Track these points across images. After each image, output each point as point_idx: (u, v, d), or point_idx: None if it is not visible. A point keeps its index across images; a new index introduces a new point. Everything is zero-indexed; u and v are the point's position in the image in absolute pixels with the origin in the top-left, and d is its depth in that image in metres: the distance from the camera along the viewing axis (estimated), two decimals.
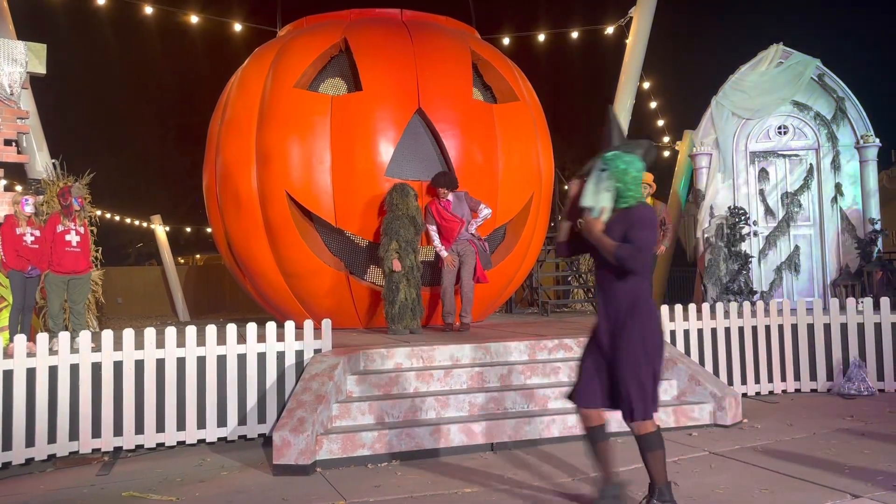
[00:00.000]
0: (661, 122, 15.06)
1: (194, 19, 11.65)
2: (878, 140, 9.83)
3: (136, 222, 18.31)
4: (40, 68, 7.45)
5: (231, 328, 5.46)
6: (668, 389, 5.57)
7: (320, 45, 7.72)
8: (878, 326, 6.63)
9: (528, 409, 5.26)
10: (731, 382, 6.43)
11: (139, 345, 5.26)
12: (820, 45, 10.18)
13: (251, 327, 5.51)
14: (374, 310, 7.69)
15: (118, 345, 5.24)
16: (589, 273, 11.41)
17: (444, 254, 7.26)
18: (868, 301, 6.71)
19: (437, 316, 7.76)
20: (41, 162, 9.35)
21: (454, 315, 7.28)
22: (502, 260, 8.07)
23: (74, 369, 5.12)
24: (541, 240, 8.83)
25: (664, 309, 6.39)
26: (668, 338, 6.31)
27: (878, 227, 9.66)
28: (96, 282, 9.38)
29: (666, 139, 15.30)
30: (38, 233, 6.47)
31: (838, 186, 9.86)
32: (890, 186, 13.11)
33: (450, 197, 7.24)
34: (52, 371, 5.06)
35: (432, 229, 7.32)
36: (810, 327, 6.72)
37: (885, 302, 6.64)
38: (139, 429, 5.20)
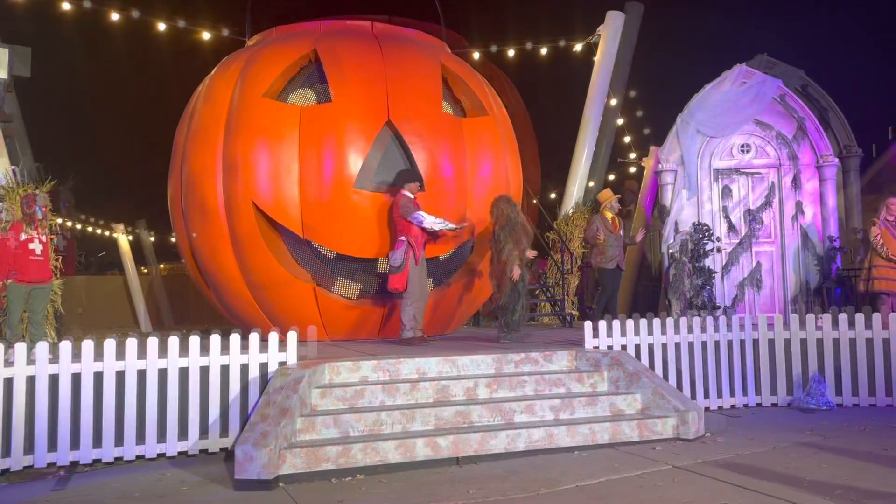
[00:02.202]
0: (627, 139, 15.27)
1: (161, 26, 11.53)
2: (836, 160, 10.08)
3: (98, 231, 17.96)
4: (24, 71, 7.36)
5: (194, 340, 5.37)
6: (632, 403, 5.62)
7: (290, 56, 7.69)
8: (836, 342, 6.77)
9: (494, 422, 5.26)
10: (693, 396, 6.50)
11: (99, 356, 5.15)
12: (780, 68, 10.43)
13: (214, 339, 5.43)
14: (341, 322, 7.63)
15: (77, 356, 5.12)
16: (556, 286, 11.47)
17: (448, 226, 7.15)
18: (827, 317, 6.85)
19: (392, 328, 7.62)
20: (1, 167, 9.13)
21: (415, 330, 7.15)
22: (470, 273, 8.08)
23: (31, 381, 4.99)
24: None
25: (629, 323, 6.45)
26: (632, 352, 6.38)
27: (837, 244, 9.89)
28: (56, 291, 9.16)
29: (633, 155, 15.52)
30: None
31: (799, 204, 10.09)
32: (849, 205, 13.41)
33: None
34: (8, 383, 4.92)
35: (423, 216, 7.07)
36: (771, 342, 6.84)
37: (843, 318, 6.79)
38: (97, 442, 5.08)
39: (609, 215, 9.02)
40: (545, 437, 5.11)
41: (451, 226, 7.22)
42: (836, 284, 9.65)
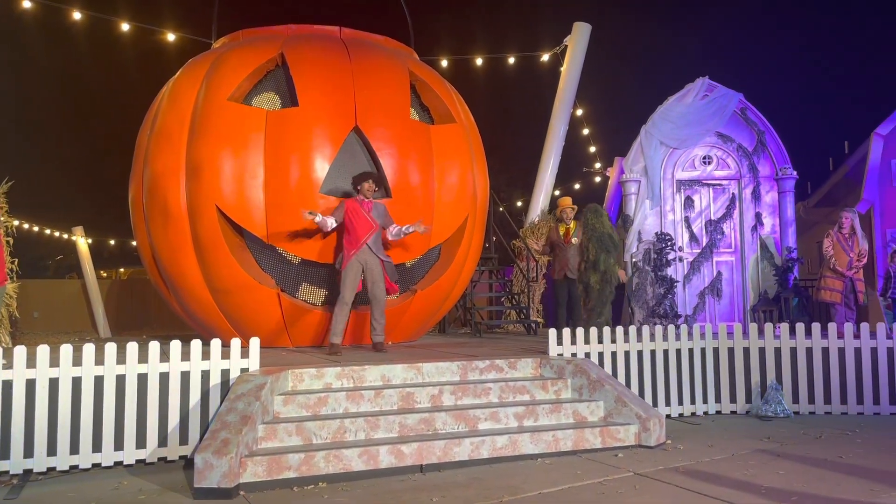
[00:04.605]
0: (593, 149, 15.45)
1: (125, 27, 11.34)
2: (795, 172, 10.34)
3: (56, 233, 17.57)
4: None
5: (154, 345, 5.27)
6: (595, 411, 5.67)
7: (256, 59, 7.62)
8: (793, 351, 6.92)
9: (459, 430, 5.26)
10: (655, 404, 6.59)
11: (54, 362, 5.02)
12: (742, 82, 10.67)
13: (175, 345, 5.34)
14: (306, 328, 7.57)
15: (32, 362, 4.98)
16: (521, 294, 11.54)
17: (318, 218, 6.81)
18: (785, 326, 7.01)
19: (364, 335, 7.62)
20: None
21: (341, 335, 6.93)
22: (436, 280, 8.08)
23: None
24: (475, 260, 8.89)
25: (593, 331, 6.51)
26: (596, 359, 6.44)
27: (794, 255, 10.12)
28: (11, 295, 8.94)
29: (597, 165, 15.72)
30: None
31: (758, 215, 10.31)
32: (806, 217, 13.77)
33: (371, 199, 7.08)
34: None
35: (329, 221, 6.89)
36: (731, 351, 6.96)
37: (800, 328, 6.94)
38: (52, 450, 4.94)
39: (562, 227, 9.07)
40: (509, 445, 5.12)
41: (317, 218, 6.83)
42: (794, 294, 9.88)
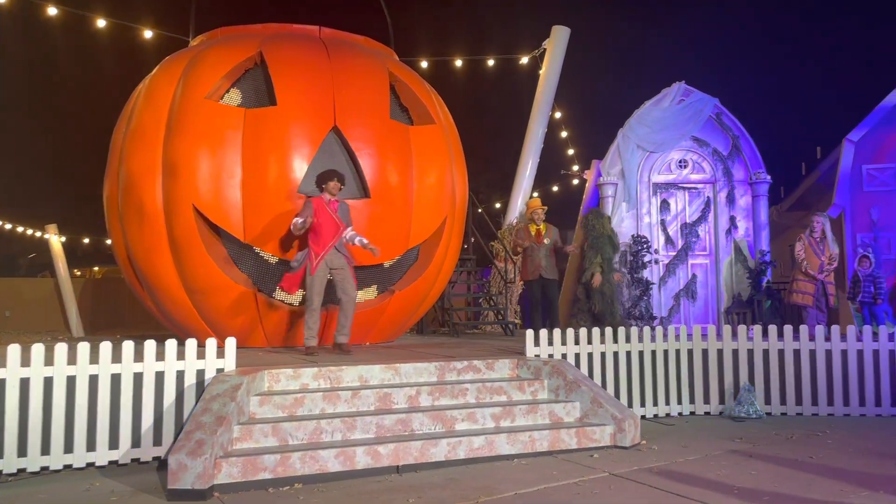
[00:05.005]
0: (571, 152, 15.55)
1: (101, 23, 11.21)
2: (768, 177, 10.49)
3: (29, 231, 17.30)
4: None
5: (127, 345, 5.21)
6: (571, 411, 5.70)
7: (235, 57, 7.57)
8: (766, 352, 7.02)
9: (436, 430, 5.26)
10: (630, 405, 6.64)
11: (26, 362, 4.94)
12: (717, 87, 10.81)
13: (149, 345, 5.28)
14: (282, 329, 7.53)
15: (2, 361, 4.90)
16: (499, 295, 11.58)
17: (300, 220, 6.64)
18: (757, 328, 7.10)
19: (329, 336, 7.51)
20: None
21: (317, 338, 6.85)
22: (414, 280, 8.08)
23: None
24: (453, 262, 8.90)
25: (569, 332, 6.56)
26: (572, 361, 6.48)
27: (767, 258, 10.27)
28: None
29: (575, 168, 15.82)
30: None
31: (732, 219, 10.45)
32: (779, 221, 13.97)
33: (336, 199, 6.97)
34: None
35: (298, 220, 6.70)
36: (705, 352, 7.04)
37: (772, 330, 7.05)
38: (22, 451, 4.86)
39: (533, 227, 9.10)
40: (486, 445, 5.14)
41: (298, 220, 6.66)
42: (766, 297, 10.02)
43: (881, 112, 10.62)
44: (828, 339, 7.00)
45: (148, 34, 11.72)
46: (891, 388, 6.86)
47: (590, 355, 6.59)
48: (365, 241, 6.96)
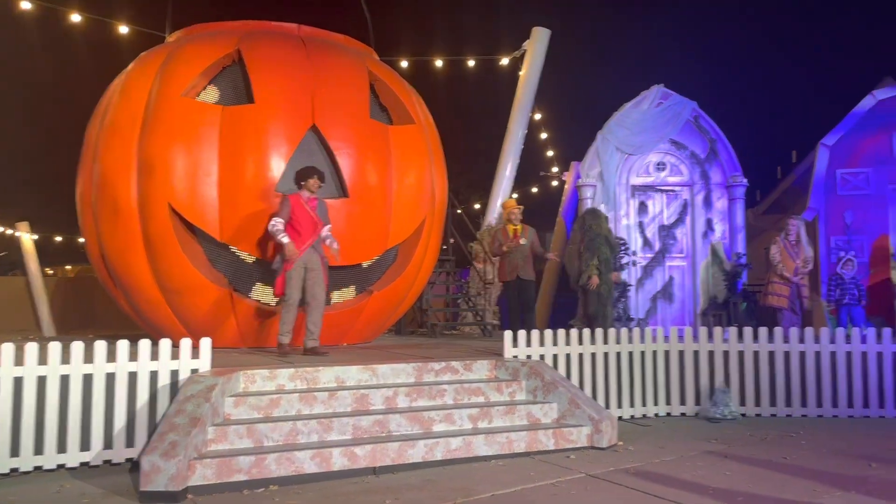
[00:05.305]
0: (550, 153, 15.61)
1: (76, 17, 11.03)
2: (745, 180, 10.60)
3: (0, 229, 16.98)
4: None
5: (100, 345, 5.13)
6: (548, 412, 5.71)
7: (212, 54, 7.48)
8: (741, 354, 7.08)
9: (413, 431, 5.24)
10: (607, 406, 6.67)
11: None
12: (694, 90, 10.91)
13: (122, 344, 5.20)
14: (259, 329, 7.45)
15: None
16: (478, 296, 11.58)
17: (285, 240, 6.54)
18: (733, 330, 7.16)
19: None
20: None
21: (290, 335, 6.73)
22: (393, 281, 8.05)
23: None
24: (432, 262, 8.88)
25: (547, 333, 6.57)
26: (550, 362, 6.49)
27: (743, 260, 10.37)
28: None
29: (555, 169, 15.88)
30: None
31: (709, 222, 10.54)
32: (755, 224, 14.13)
33: (315, 196, 6.88)
34: None
35: (278, 221, 6.62)
36: (681, 354, 7.09)
37: (747, 331, 7.11)
38: None
39: (511, 227, 9.10)
40: (463, 446, 5.12)
41: (284, 239, 6.58)
42: (742, 299, 10.12)
43: (855, 117, 10.78)
44: (801, 340, 7.08)
45: (123, 30, 11.56)
46: (863, 389, 6.96)
47: (567, 356, 6.61)
48: (336, 245, 6.92)
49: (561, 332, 6.64)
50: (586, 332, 6.79)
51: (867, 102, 10.76)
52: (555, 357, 6.54)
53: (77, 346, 5.06)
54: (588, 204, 10.57)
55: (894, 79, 12.01)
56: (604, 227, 7.54)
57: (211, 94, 7.49)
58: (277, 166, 7.17)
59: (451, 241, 11.87)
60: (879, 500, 4.17)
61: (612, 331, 6.85)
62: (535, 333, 6.56)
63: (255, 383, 5.45)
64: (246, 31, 7.99)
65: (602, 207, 10.45)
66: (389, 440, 4.99)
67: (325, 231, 6.88)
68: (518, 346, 6.46)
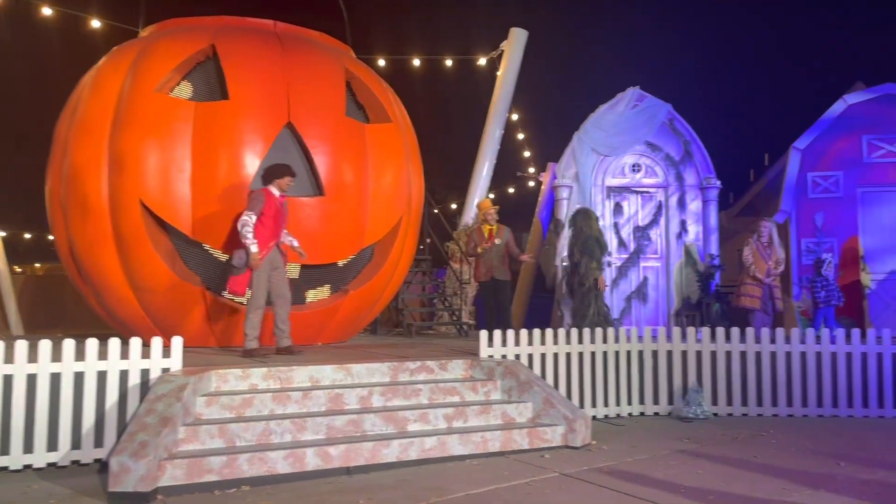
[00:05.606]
0: (527, 154, 15.65)
1: (46, 11, 10.84)
2: (718, 182, 10.72)
3: None
4: None
5: (68, 344, 5.03)
6: (523, 412, 5.71)
7: (186, 49, 7.39)
8: (713, 354, 7.15)
9: (388, 431, 5.22)
10: (582, 405, 6.70)
11: None
12: (669, 92, 11.01)
13: (91, 343, 5.11)
14: (232, 328, 7.37)
15: None
16: (454, 296, 11.57)
17: (254, 248, 6.36)
18: (706, 330, 7.24)
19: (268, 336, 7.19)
20: None
21: (258, 340, 6.53)
22: (369, 280, 8.01)
23: None
24: (408, 261, 8.85)
25: (523, 333, 6.58)
26: (526, 361, 6.50)
27: (716, 262, 10.48)
28: None
29: (531, 170, 15.93)
30: None
31: (683, 223, 10.64)
32: (728, 226, 14.29)
33: (284, 195, 6.75)
34: None
35: (250, 218, 6.40)
36: (655, 354, 7.14)
37: (720, 332, 7.19)
38: None
39: (486, 227, 9.11)
40: (438, 446, 5.11)
41: (252, 248, 6.36)
42: (715, 300, 10.23)
43: (826, 121, 10.95)
44: (773, 341, 7.18)
45: (96, 24, 11.38)
46: (832, 389, 7.06)
47: (543, 356, 6.63)
48: (296, 242, 6.85)
49: (536, 331, 6.66)
50: (561, 331, 6.81)
51: (838, 107, 10.94)
52: (530, 357, 6.56)
53: (45, 345, 4.96)
54: (564, 205, 10.62)
55: (865, 84, 12.22)
56: (594, 228, 7.63)
57: (184, 90, 7.40)
58: (252, 163, 7.10)
59: (428, 240, 11.85)
60: (847, 497, 4.24)
61: (586, 330, 6.88)
62: (510, 333, 6.56)
63: (227, 383, 5.39)
64: (221, 26, 7.90)
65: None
66: (364, 440, 4.96)
67: (284, 231, 6.82)
68: (493, 346, 6.47)
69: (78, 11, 11.27)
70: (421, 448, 5.05)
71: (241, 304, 7.30)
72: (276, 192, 6.67)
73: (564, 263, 10.29)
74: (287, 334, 6.67)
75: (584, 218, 7.67)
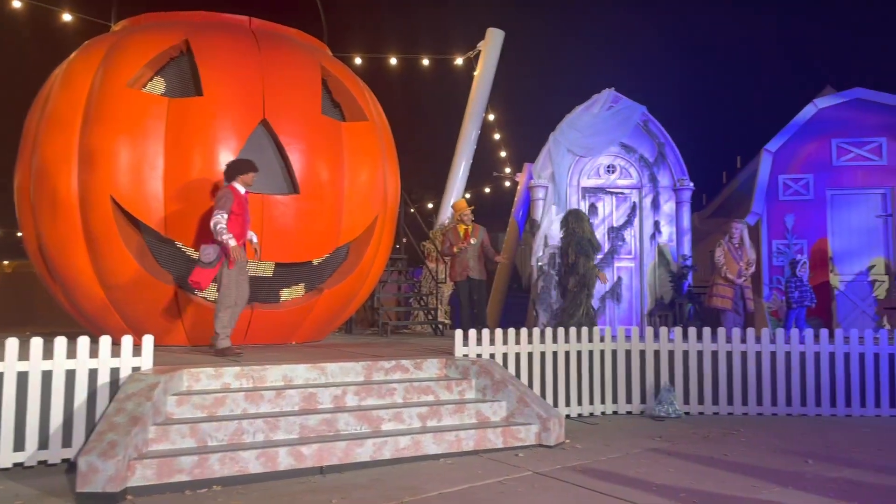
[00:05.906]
0: (503, 154, 15.70)
1: (16, 3, 10.64)
2: (692, 184, 10.83)
3: None
4: None
5: (36, 342, 4.95)
6: (497, 411, 5.73)
7: (159, 45, 7.29)
8: (685, 354, 7.24)
9: (361, 430, 5.20)
10: (556, 404, 6.74)
11: None
12: (643, 94, 11.11)
13: (60, 341, 5.03)
14: (204, 327, 7.29)
15: None
16: (430, 295, 11.57)
17: (233, 242, 6.25)
18: (678, 330, 7.31)
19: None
20: None
21: (229, 339, 6.48)
22: (344, 279, 7.98)
23: None
24: (384, 260, 8.83)
25: (498, 332, 6.59)
26: (500, 361, 6.52)
27: (689, 262, 10.59)
28: None
29: (508, 170, 15.97)
30: None
31: (657, 224, 10.74)
32: (701, 227, 14.46)
33: (248, 191, 6.66)
34: None
35: (223, 217, 6.26)
36: (628, 353, 7.21)
37: (692, 332, 7.27)
38: None
39: (461, 227, 9.14)
40: (412, 445, 5.10)
41: (231, 243, 6.25)
42: (688, 300, 10.34)
43: (797, 125, 11.11)
44: (743, 341, 7.28)
45: (67, 17, 11.20)
46: (800, 388, 7.18)
47: (517, 355, 6.65)
48: (255, 238, 6.78)
49: (511, 331, 6.68)
50: (535, 330, 6.84)
51: (809, 111, 11.11)
52: (504, 356, 6.58)
53: (12, 343, 4.87)
54: (540, 205, 10.66)
55: (835, 88, 12.43)
56: (587, 230, 7.74)
57: (157, 86, 7.31)
58: (226, 160, 7.00)
59: (404, 239, 11.84)
60: (814, 494, 4.31)
61: (560, 330, 6.92)
62: (485, 332, 6.58)
63: (199, 382, 5.34)
64: (195, 22, 7.82)
65: (553, 209, 10.56)
66: (337, 439, 4.94)
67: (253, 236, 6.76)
68: (468, 345, 6.48)
69: (49, 5, 11.09)
70: (395, 447, 5.04)
71: (213, 301, 7.22)
72: (241, 188, 6.56)
73: (540, 263, 10.34)
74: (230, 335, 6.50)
75: (576, 219, 7.77)
